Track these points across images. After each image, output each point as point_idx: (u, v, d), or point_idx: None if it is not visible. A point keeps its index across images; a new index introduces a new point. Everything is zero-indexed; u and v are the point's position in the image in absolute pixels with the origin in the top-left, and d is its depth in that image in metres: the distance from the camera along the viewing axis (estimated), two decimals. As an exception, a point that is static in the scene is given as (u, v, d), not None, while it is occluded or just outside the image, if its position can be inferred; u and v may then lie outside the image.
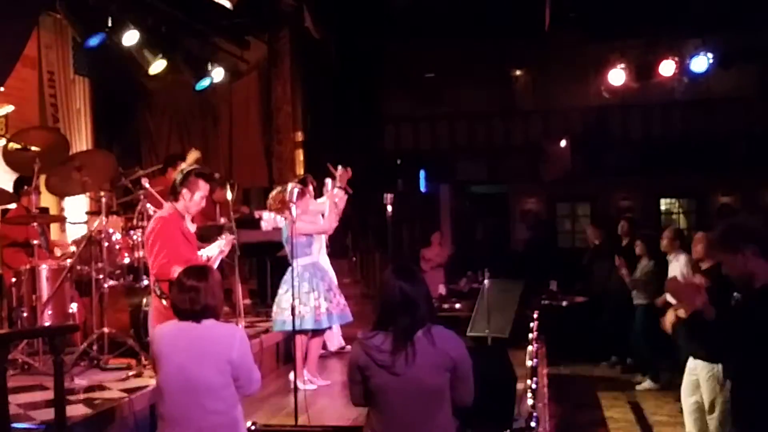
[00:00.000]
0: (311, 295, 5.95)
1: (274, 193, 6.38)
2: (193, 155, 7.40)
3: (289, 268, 5.92)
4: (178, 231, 4.68)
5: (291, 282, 5.71)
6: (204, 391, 3.40)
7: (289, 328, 5.69)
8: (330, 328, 6.45)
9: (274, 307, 6.13)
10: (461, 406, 3.19)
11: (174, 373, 3.42)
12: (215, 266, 4.85)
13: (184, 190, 4.70)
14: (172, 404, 3.43)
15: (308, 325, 5.93)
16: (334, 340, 7.27)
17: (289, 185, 6.10)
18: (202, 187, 4.75)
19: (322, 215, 6.44)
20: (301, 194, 6.09)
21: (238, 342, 3.51)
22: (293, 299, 5.42)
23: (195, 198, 4.74)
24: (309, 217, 6.21)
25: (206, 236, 5.66)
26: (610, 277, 9.03)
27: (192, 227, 5.22)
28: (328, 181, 6.56)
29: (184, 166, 6.21)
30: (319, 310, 5.95)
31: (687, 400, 5.45)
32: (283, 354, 7.06)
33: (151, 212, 6.04)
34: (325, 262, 7.13)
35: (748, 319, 3.16)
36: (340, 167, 6.51)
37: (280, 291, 6.07)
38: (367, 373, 3.11)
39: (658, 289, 7.56)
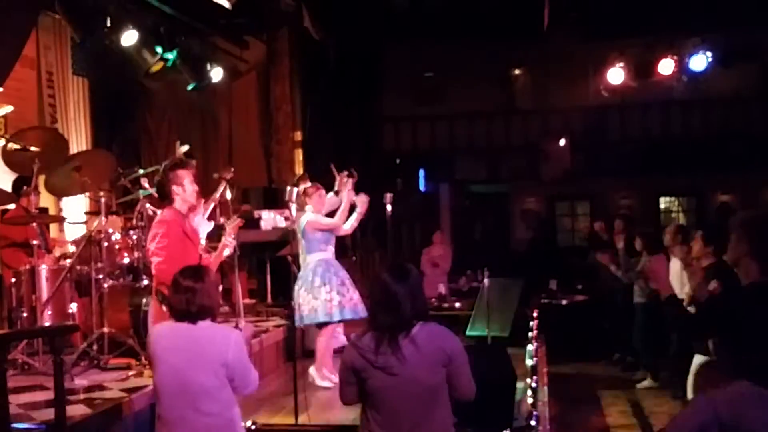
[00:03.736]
0: (323, 288, 5.99)
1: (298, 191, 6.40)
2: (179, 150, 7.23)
3: (304, 264, 6.04)
4: (181, 232, 4.70)
5: (305, 277, 5.91)
6: (198, 393, 3.38)
7: (305, 322, 5.91)
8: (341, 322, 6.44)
9: (293, 304, 6.15)
10: (463, 401, 3.18)
11: (169, 374, 3.41)
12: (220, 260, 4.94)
13: (174, 187, 4.73)
14: (167, 405, 3.43)
15: (321, 318, 6.00)
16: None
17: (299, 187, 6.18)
18: (185, 175, 4.81)
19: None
20: (315, 191, 6.18)
21: (233, 344, 3.48)
22: (308, 294, 5.67)
23: (187, 188, 4.78)
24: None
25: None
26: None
27: (207, 225, 5.30)
28: (349, 180, 6.50)
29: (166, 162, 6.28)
30: (330, 303, 5.98)
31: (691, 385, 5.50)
32: (283, 353, 7.06)
33: (150, 212, 6.05)
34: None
35: (725, 314, 3.16)
36: (345, 173, 6.48)
37: (295, 287, 6.10)
38: (364, 375, 3.09)
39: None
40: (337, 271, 6.16)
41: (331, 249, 6.25)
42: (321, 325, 6.11)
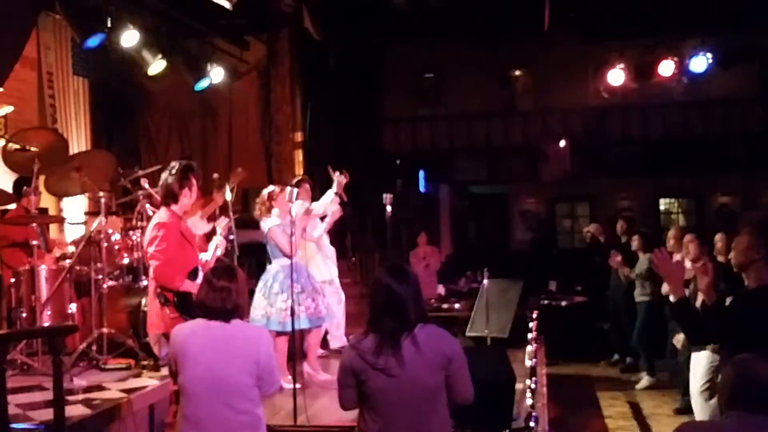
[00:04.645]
0: (279, 296, 5.92)
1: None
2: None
3: (267, 268, 6.07)
4: (178, 234, 4.72)
5: (265, 281, 5.97)
6: (233, 392, 3.38)
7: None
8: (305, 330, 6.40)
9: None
10: (463, 403, 3.17)
11: (203, 373, 3.38)
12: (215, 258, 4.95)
13: (185, 191, 4.77)
14: (199, 405, 3.38)
15: (273, 326, 5.88)
16: (336, 340, 7.27)
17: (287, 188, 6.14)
18: (195, 183, 4.87)
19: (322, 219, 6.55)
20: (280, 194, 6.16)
21: (264, 343, 3.52)
22: (264, 299, 5.73)
23: (193, 195, 4.84)
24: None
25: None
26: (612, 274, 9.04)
27: (205, 226, 5.29)
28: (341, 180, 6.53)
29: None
30: (285, 312, 5.77)
31: (694, 387, 5.55)
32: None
33: (150, 212, 6.06)
34: (325, 262, 7.14)
35: (735, 317, 3.15)
36: (338, 173, 6.53)
37: (256, 290, 6.08)
38: (363, 377, 3.08)
39: (657, 284, 7.62)
40: (298, 277, 5.93)
41: (299, 253, 6.17)
42: (279, 334, 6.00)
